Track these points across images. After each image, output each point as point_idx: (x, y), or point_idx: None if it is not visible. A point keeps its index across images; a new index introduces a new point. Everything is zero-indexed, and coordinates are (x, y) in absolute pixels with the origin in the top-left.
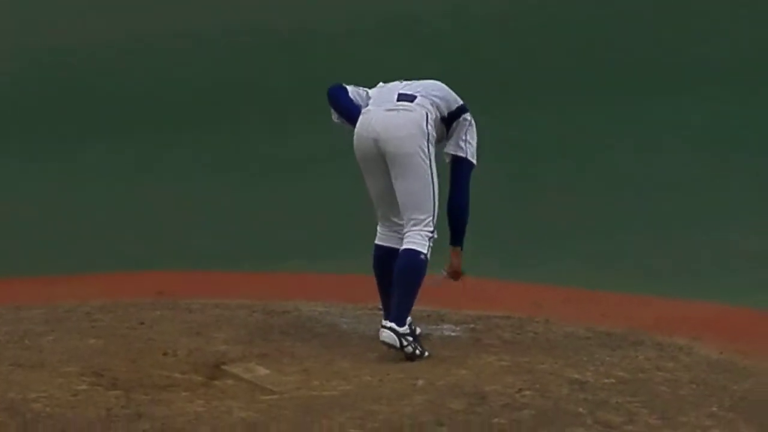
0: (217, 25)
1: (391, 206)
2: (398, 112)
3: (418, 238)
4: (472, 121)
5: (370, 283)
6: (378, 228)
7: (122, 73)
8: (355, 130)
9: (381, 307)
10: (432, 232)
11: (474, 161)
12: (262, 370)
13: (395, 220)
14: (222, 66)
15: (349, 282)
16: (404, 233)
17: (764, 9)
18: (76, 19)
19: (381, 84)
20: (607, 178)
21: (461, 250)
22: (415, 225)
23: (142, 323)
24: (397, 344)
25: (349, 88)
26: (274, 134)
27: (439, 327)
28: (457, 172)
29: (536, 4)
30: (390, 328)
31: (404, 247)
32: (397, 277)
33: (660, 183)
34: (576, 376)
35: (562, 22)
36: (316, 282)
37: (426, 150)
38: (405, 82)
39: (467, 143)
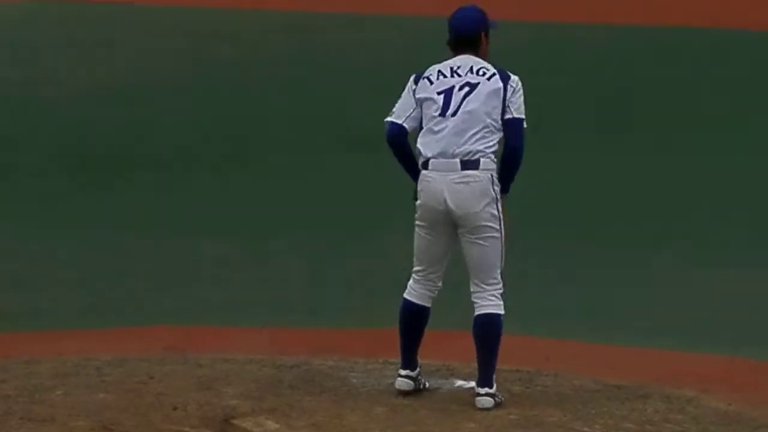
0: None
1: (442, 268)
2: (467, 184)
3: (495, 300)
4: (517, 85)
5: (380, 336)
6: (412, 284)
7: (124, 122)
8: (422, 198)
9: (402, 361)
10: (503, 286)
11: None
12: (271, 425)
13: (437, 280)
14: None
15: (358, 336)
16: (476, 295)
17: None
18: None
19: (432, 81)
20: (615, 230)
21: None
22: (488, 286)
23: (152, 378)
24: (493, 405)
25: (406, 124)
26: (273, 186)
27: (448, 380)
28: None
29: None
30: (487, 394)
31: (485, 311)
32: (486, 342)
33: (662, 234)
34: (585, 429)
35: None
36: (326, 336)
37: (497, 212)
38: (460, 99)
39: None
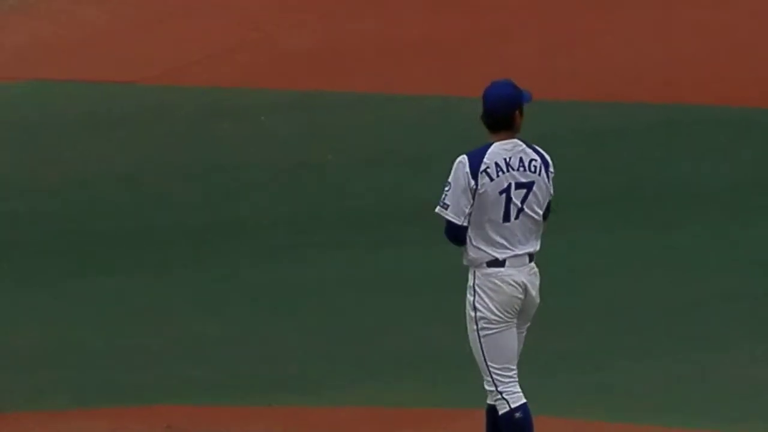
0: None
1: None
2: (536, 276)
3: None
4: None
5: (378, 416)
6: (512, 388)
7: (116, 209)
8: (501, 292)
9: None
10: None
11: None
12: None
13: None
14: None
15: (366, 414)
16: (516, 384)
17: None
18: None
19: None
20: (607, 305)
21: None
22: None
23: None
24: None
25: (466, 222)
26: (266, 268)
27: None
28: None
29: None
30: None
31: (525, 400)
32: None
33: (659, 309)
34: None
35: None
36: (330, 415)
37: None
38: (520, 203)
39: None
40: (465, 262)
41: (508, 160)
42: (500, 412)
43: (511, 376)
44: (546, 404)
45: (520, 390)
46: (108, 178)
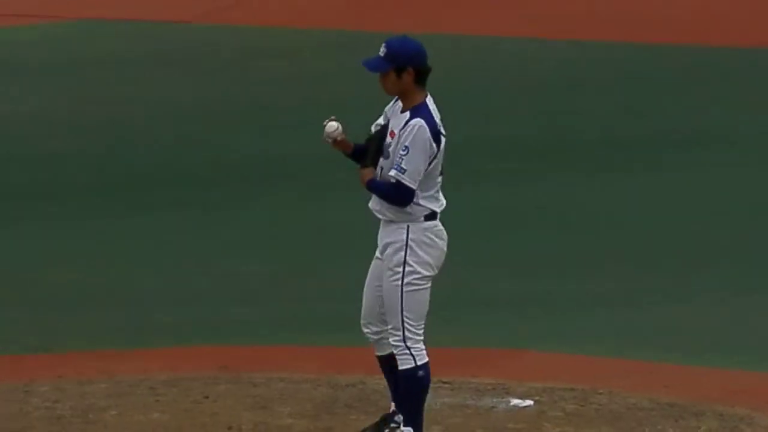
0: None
1: None
2: None
3: None
4: None
5: (435, 356)
6: (419, 344)
7: (161, 148)
8: (440, 247)
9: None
10: None
11: None
12: None
13: None
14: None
15: None
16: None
17: None
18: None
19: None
20: (669, 248)
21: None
22: None
23: (206, 397)
24: None
25: (416, 186)
26: (315, 206)
27: (504, 399)
28: None
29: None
30: None
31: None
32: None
33: (722, 250)
34: None
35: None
36: None
37: None
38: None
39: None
40: (392, 218)
41: (439, 115)
42: (402, 367)
43: (421, 334)
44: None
45: (425, 348)
46: (153, 117)
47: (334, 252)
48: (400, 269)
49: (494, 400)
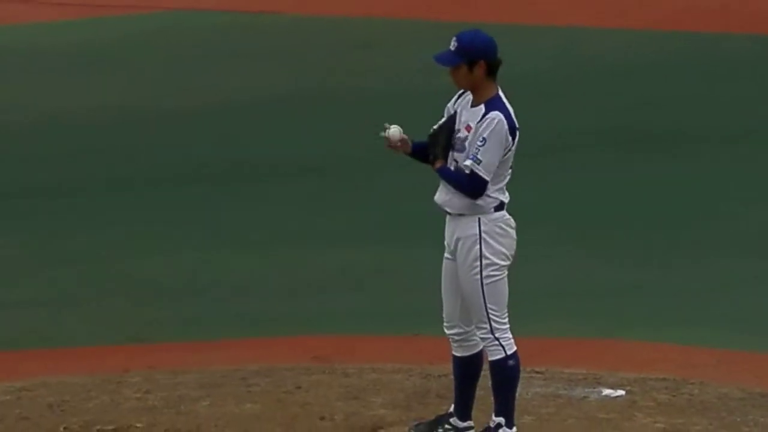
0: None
1: None
2: None
3: None
4: None
5: (526, 345)
6: (507, 333)
7: (249, 137)
8: (512, 237)
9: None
10: None
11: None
12: None
13: None
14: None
15: None
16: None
17: None
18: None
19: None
20: (756, 237)
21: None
22: None
23: (299, 387)
24: None
25: (490, 177)
26: (411, 197)
27: (595, 389)
28: None
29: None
30: None
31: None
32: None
33: None
34: None
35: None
36: None
37: None
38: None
39: None
40: (461, 211)
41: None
42: (491, 358)
43: (506, 322)
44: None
45: (512, 337)
46: (243, 107)
47: (430, 241)
48: (478, 263)
49: (586, 390)
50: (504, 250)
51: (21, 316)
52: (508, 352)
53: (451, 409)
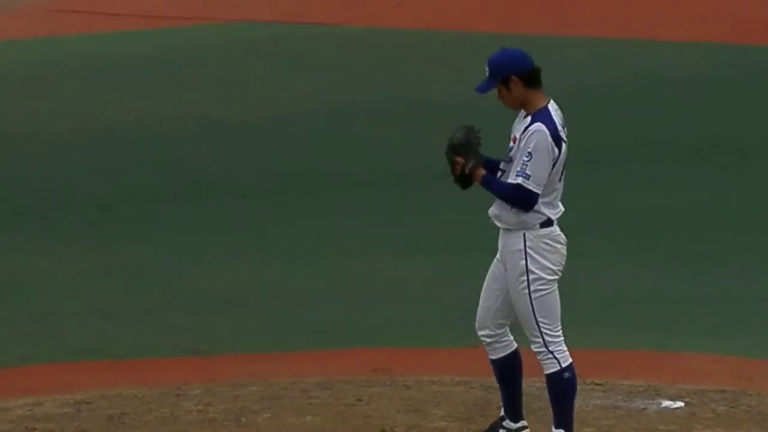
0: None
1: None
2: None
3: None
4: None
5: (587, 357)
6: (561, 346)
7: (318, 147)
8: (560, 251)
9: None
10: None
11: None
12: None
13: None
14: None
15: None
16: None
17: None
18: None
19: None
20: None
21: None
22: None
23: (359, 400)
24: None
25: (541, 190)
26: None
27: (654, 401)
28: None
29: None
30: None
31: (571, 360)
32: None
33: None
34: None
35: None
36: (533, 358)
37: None
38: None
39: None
40: (508, 226)
41: (562, 119)
42: (547, 372)
43: (560, 335)
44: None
45: (567, 349)
46: (310, 116)
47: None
48: (525, 278)
49: (645, 401)
50: (551, 265)
51: (79, 328)
52: (563, 365)
53: (502, 412)
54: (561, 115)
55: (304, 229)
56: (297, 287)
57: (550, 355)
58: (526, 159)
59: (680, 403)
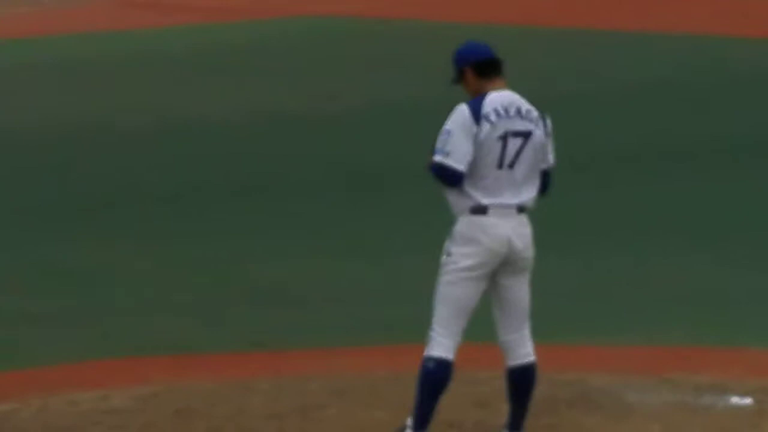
0: None
1: (469, 319)
2: (526, 227)
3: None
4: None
5: (654, 353)
6: (447, 341)
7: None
8: (485, 243)
9: (422, 420)
10: None
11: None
12: None
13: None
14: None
15: (632, 353)
16: (519, 341)
17: None
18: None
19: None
20: None
21: None
22: (529, 332)
23: None
24: None
25: (465, 169)
26: None
27: (722, 397)
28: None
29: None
30: None
31: (532, 359)
32: (530, 391)
33: None
34: None
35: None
36: (601, 353)
37: None
38: (515, 151)
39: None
40: (452, 208)
41: (506, 106)
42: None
43: (448, 329)
44: None
45: (450, 345)
46: (361, 113)
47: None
48: (443, 258)
49: (713, 398)
50: (468, 261)
51: (146, 322)
52: (429, 353)
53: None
54: (514, 101)
55: (369, 225)
56: (364, 282)
57: (429, 342)
58: (443, 137)
59: (748, 400)
